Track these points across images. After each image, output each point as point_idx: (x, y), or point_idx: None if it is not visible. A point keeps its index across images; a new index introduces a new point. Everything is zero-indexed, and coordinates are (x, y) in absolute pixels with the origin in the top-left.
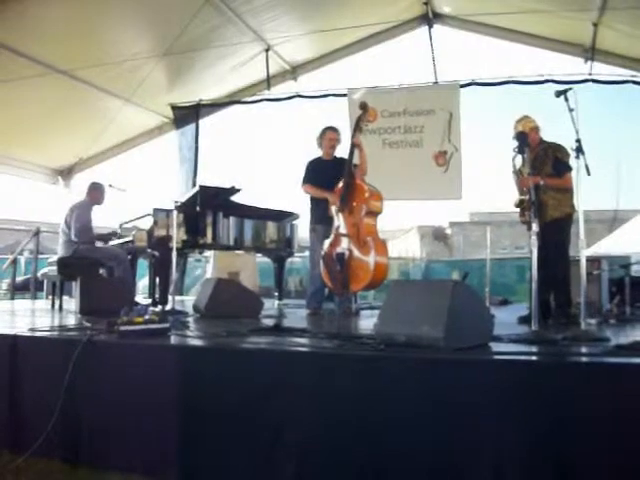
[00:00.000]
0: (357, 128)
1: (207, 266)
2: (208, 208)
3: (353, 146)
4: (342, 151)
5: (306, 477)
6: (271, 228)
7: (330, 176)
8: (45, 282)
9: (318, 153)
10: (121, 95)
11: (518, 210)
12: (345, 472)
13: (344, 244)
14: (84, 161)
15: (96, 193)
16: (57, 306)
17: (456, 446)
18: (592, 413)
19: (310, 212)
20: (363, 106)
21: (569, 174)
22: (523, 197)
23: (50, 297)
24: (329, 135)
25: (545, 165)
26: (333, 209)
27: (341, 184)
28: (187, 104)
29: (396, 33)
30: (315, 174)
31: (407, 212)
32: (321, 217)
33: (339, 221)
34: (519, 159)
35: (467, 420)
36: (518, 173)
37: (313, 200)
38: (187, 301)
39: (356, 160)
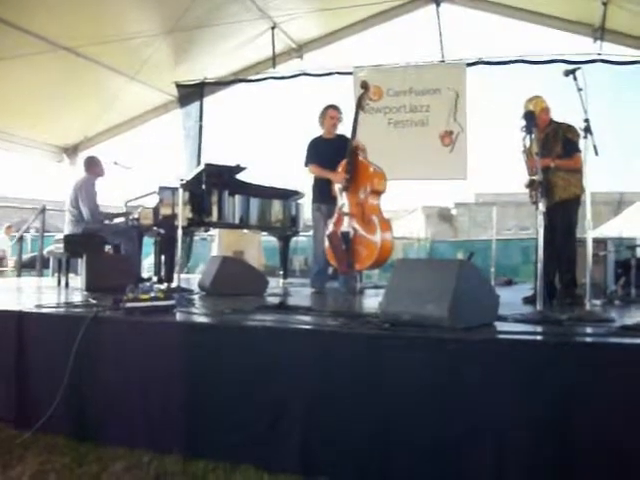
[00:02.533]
0: (359, 107)
1: (212, 245)
2: (214, 186)
3: (355, 124)
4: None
5: (310, 453)
6: (276, 207)
7: (332, 155)
8: (51, 259)
9: (320, 132)
10: (126, 73)
11: (526, 190)
12: (349, 449)
13: (348, 223)
14: (90, 139)
15: (95, 167)
16: (63, 283)
17: (458, 424)
18: (595, 393)
19: (313, 191)
20: (364, 85)
21: (579, 154)
22: (534, 177)
23: (56, 274)
24: (330, 113)
25: (556, 145)
26: (337, 188)
27: (344, 162)
28: (192, 82)
29: (403, 11)
30: (317, 154)
31: (412, 192)
32: (325, 196)
33: (343, 200)
34: (529, 139)
35: (470, 398)
36: (528, 153)
37: (317, 179)
38: (193, 279)
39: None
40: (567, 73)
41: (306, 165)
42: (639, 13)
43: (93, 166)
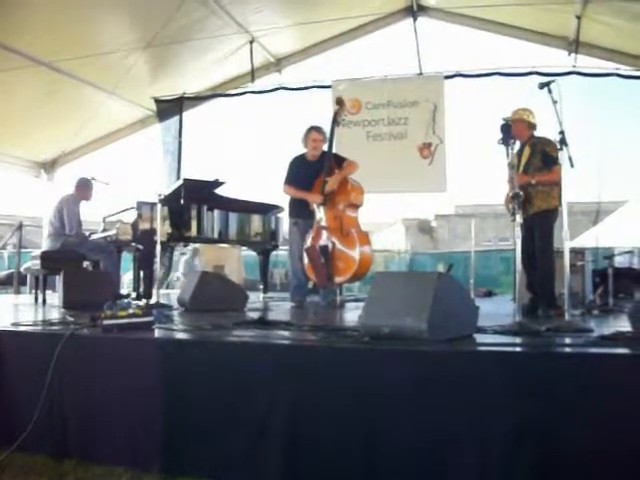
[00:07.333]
0: (335, 123)
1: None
2: (192, 201)
3: (332, 140)
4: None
5: (293, 469)
6: (256, 221)
7: (313, 177)
8: (28, 276)
9: (302, 149)
10: (104, 87)
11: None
12: (331, 463)
13: (326, 237)
14: (67, 154)
15: (84, 189)
16: (40, 300)
17: (441, 437)
18: (575, 403)
19: (290, 206)
20: (339, 101)
21: (557, 167)
22: (516, 191)
23: (33, 291)
24: (313, 136)
25: (535, 159)
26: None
27: (320, 180)
28: (170, 97)
29: (381, 25)
30: (298, 174)
31: (392, 205)
32: (302, 211)
33: (320, 214)
34: (506, 151)
35: (451, 411)
36: (511, 166)
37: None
38: (173, 295)
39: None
40: (542, 86)
41: (284, 185)
42: (612, 26)
43: (83, 188)
